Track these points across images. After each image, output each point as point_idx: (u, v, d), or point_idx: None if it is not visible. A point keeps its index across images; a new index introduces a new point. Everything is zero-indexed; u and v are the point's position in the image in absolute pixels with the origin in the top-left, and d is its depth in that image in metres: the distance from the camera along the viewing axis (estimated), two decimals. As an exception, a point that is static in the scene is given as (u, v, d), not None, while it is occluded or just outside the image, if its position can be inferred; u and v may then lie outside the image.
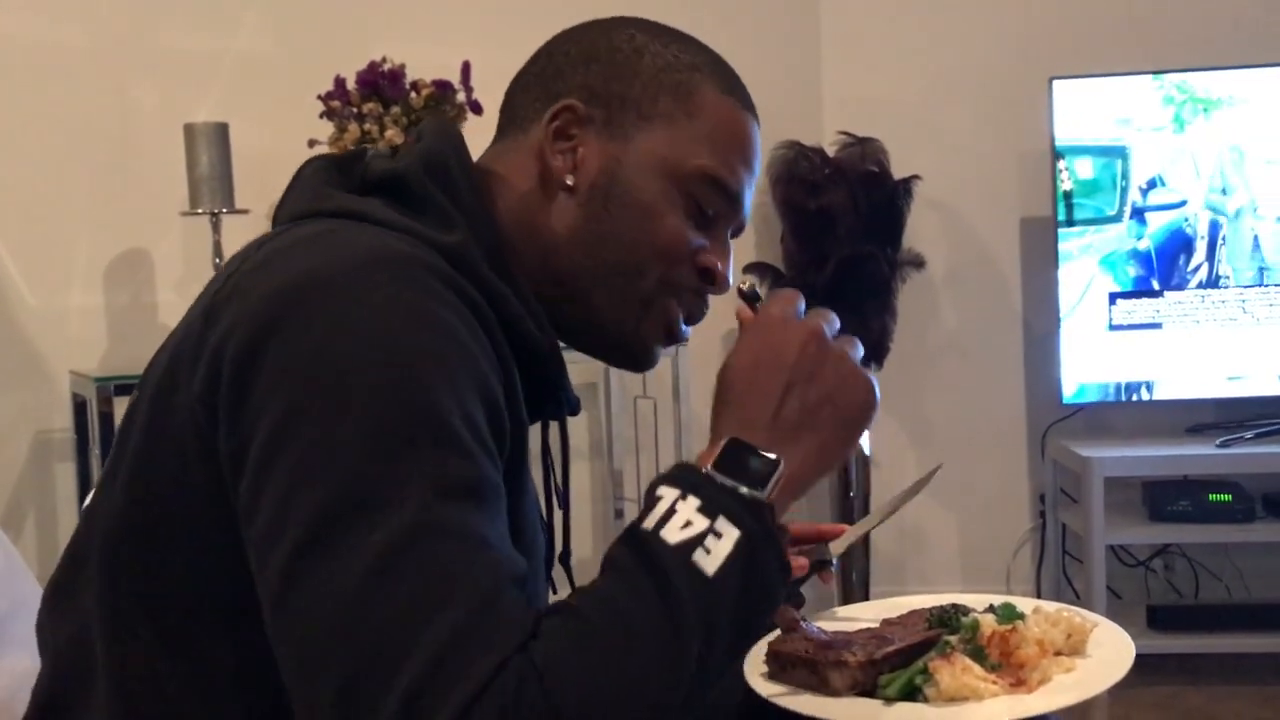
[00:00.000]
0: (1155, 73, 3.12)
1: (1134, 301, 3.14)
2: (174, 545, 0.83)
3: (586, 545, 2.89)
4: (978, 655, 1.00)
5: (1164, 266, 3.13)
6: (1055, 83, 3.13)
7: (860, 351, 0.91)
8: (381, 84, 2.59)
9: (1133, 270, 3.14)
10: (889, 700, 0.98)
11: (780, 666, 1.04)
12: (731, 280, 1.02)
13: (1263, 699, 2.86)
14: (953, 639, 1.04)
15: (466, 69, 2.60)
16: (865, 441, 3.31)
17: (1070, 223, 3.14)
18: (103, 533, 0.88)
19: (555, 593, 1.05)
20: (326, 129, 2.60)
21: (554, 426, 1.09)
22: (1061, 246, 3.14)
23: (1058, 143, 3.13)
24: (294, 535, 0.72)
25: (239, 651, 0.83)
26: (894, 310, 3.24)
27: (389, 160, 0.97)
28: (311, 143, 2.56)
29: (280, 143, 2.58)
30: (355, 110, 2.58)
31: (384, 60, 2.61)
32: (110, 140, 2.67)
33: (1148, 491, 3.13)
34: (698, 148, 0.99)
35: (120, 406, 2.15)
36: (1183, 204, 3.12)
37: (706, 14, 3.34)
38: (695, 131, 0.99)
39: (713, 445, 0.83)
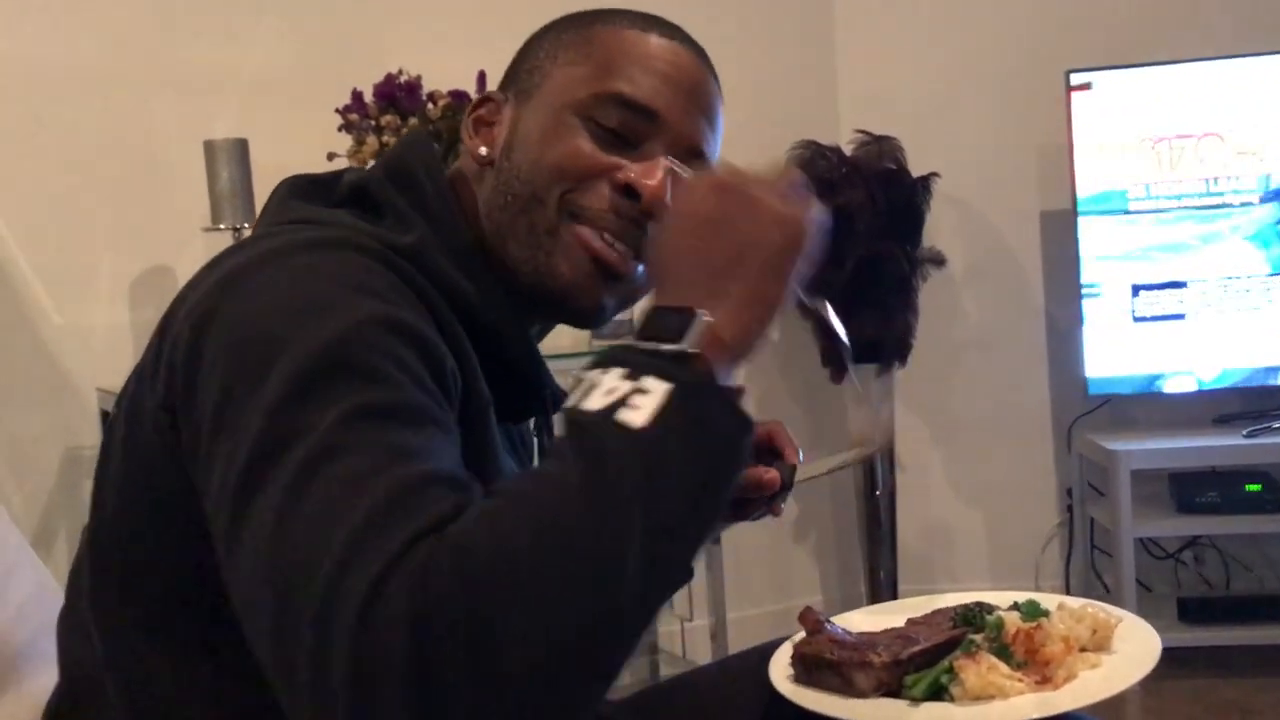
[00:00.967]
0: (1174, 63, 3.10)
1: (1157, 293, 3.12)
2: (154, 551, 0.85)
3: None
4: (1003, 653, 1.00)
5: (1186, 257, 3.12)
6: (1072, 75, 3.12)
7: (787, 181, 0.83)
8: (398, 96, 2.60)
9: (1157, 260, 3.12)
10: (915, 700, 0.98)
11: (805, 669, 1.04)
12: (664, 195, 0.94)
13: (1298, 690, 2.84)
14: (978, 638, 1.04)
15: (482, 78, 2.61)
16: (890, 440, 3.31)
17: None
18: (93, 546, 0.91)
19: None
20: (345, 142, 2.62)
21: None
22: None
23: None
24: (230, 493, 0.72)
25: (230, 650, 0.83)
26: (915, 308, 3.23)
27: (359, 174, 1.00)
28: (330, 156, 2.58)
29: (300, 156, 2.57)
30: (373, 122, 2.60)
31: (400, 72, 2.63)
32: (132, 157, 2.69)
33: (1175, 483, 3.11)
34: (597, 76, 0.97)
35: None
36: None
37: (721, 14, 3.35)
38: (594, 67, 0.98)
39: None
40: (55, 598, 1.24)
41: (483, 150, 1.00)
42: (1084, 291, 3.14)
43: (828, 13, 3.53)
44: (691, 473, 0.70)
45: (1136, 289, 3.13)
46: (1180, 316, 3.12)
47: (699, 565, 0.80)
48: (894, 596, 3.29)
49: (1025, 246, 3.47)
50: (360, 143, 2.60)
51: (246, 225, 2.53)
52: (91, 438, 2.61)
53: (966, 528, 3.53)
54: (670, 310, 0.77)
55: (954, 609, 1.12)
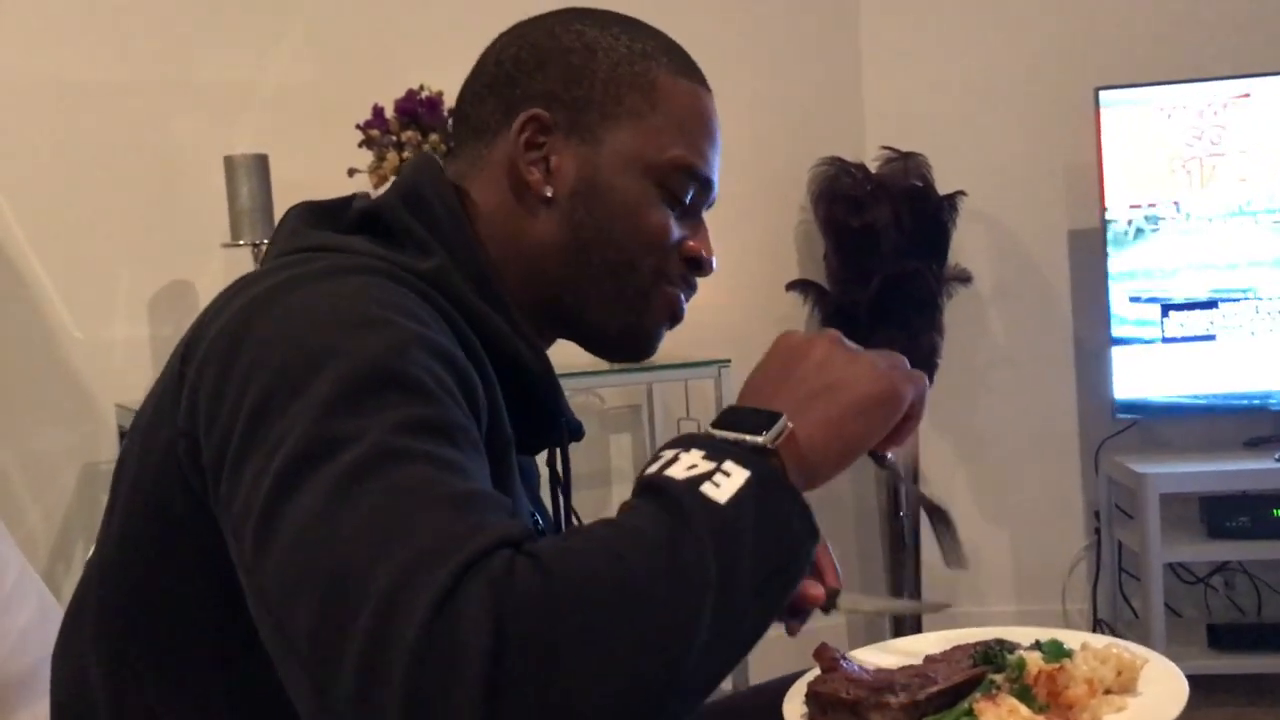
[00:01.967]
0: (1200, 80, 3.06)
1: (1187, 313, 3.08)
2: (163, 581, 0.83)
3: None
4: (1024, 695, 0.97)
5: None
6: (1101, 93, 3.09)
7: (899, 358, 0.86)
8: (419, 112, 2.59)
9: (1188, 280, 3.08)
10: (933, 743, 0.95)
11: (820, 709, 1.01)
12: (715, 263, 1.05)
13: (1331, 719, 2.79)
14: (998, 678, 1.01)
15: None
16: (912, 456, 3.27)
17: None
18: (99, 571, 0.89)
19: None
20: (366, 158, 2.61)
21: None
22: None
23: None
24: (264, 498, 0.69)
25: (233, 684, 0.82)
26: (941, 326, 3.19)
27: (370, 199, 0.98)
28: (351, 172, 2.57)
29: (320, 173, 2.59)
30: (394, 138, 2.58)
31: (421, 88, 2.61)
32: (152, 173, 2.69)
33: (1206, 507, 3.06)
34: (666, 139, 1.00)
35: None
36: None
37: (747, 29, 3.34)
38: (661, 122, 1.00)
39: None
40: (59, 624, 1.23)
41: (547, 191, 0.98)
42: (1112, 311, 3.10)
43: (853, 28, 3.50)
44: (764, 559, 0.70)
45: (1166, 308, 3.08)
46: (1211, 337, 3.07)
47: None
48: (919, 618, 3.25)
49: (1053, 265, 3.42)
50: (381, 158, 2.58)
51: (265, 241, 2.52)
52: (109, 453, 2.60)
53: (992, 549, 3.49)
54: (754, 410, 0.78)
55: (974, 646, 1.08)
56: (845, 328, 3.08)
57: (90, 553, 0.93)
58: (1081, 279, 3.36)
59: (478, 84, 1.03)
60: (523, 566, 0.64)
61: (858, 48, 3.51)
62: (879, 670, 1.05)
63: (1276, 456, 2.96)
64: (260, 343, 0.77)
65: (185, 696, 0.84)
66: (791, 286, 3.26)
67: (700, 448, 0.73)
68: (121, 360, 2.66)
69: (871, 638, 3.22)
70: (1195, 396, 3.09)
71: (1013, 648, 1.06)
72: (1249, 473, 2.97)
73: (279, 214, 2.54)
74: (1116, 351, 3.10)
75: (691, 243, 1.02)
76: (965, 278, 3.24)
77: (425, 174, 0.99)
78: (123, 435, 2.52)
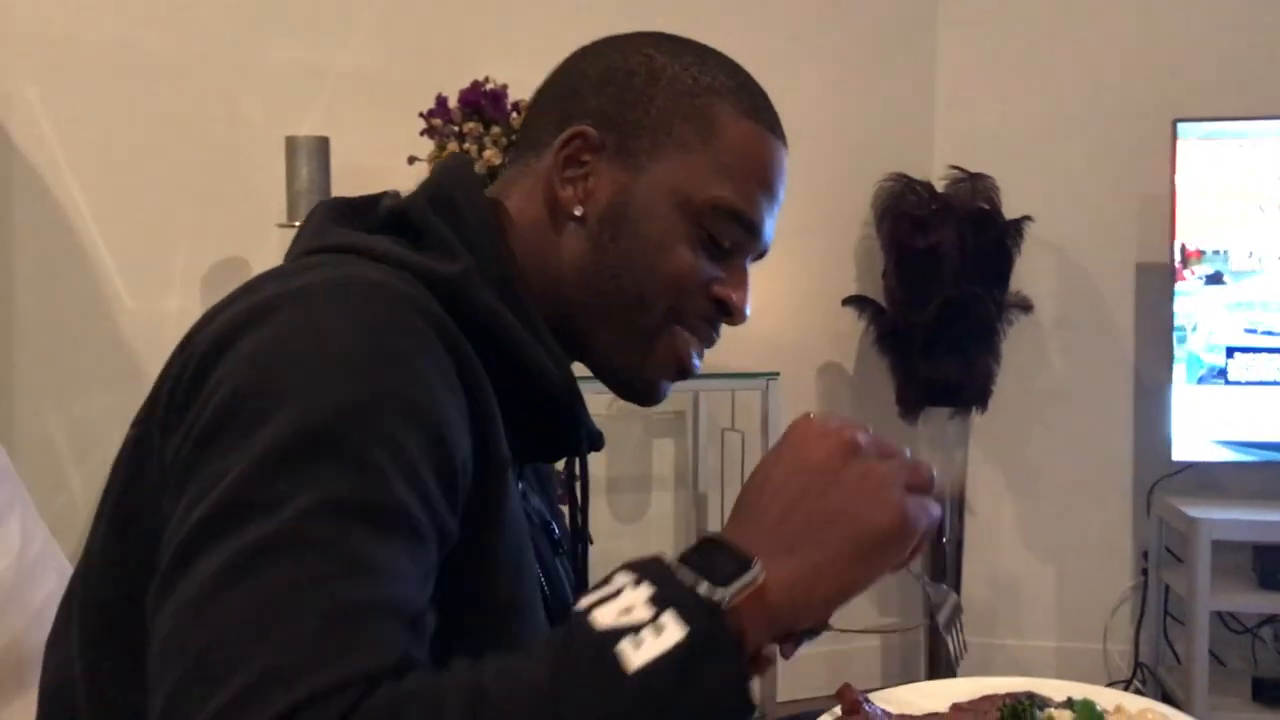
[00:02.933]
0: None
1: (1252, 356, 3.00)
2: (144, 580, 0.80)
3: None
4: (1051, 756, 0.93)
5: (1287, 322, 2.99)
6: (1179, 125, 3.01)
7: (919, 477, 0.77)
8: (483, 104, 2.58)
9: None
10: (952, 799, 0.91)
11: (839, 752, 0.98)
12: (748, 310, 0.99)
13: (1374, 785, 2.70)
14: (1025, 735, 0.97)
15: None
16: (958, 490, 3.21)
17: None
18: (85, 569, 0.87)
19: None
20: (426, 146, 2.60)
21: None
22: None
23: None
24: (178, 544, 0.68)
25: None
26: (998, 353, 3.13)
27: (399, 199, 0.95)
28: (411, 159, 2.56)
29: (380, 158, 2.59)
30: (456, 129, 2.57)
31: (487, 80, 2.60)
32: (216, 149, 2.70)
33: (1259, 556, 2.98)
34: (713, 178, 0.94)
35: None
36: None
37: (823, 40, 3.30)
38: (712, 160, 0.95)
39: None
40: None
41: (579, 211, 0.95)
42: (1176, 350, 3.03)
43: (930, 44, 3.45)
44: None
45: (1231, 351, 3.01)
46: (1276, 383, 2.99)
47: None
48: (949, 659, 3.19)
49: (1118, 299, 3.35)
50: (441, 148, 2.58)
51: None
52: (154, 424, 2.61)
53: (1036, 582, 3.42)
54: (730, 550, 0.71)
55: (1003, 698, 1.04)
56: (900, 348, 3.03)
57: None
58: (1146, 315, 3.29)
59: (546, 95, 1.01)
60: (373, 710, 0.61)
61: (933, 64, 3.45)
62: (903, 716, 1.01)
63: (1336, 510, 2.88)
64: (236, 362, 0.74)
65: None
66: (848, 302, 3.21)
67: (652, 584, 0.68)
68: (173, 332, 2.60)
69: (906, 674, 3.17)
70: (1256, 442, 3.01)
71: (1044, 704, 1.02)
72: (1306, 524, 2.89)
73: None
74: (1176, 390, 3.02)
75: (721, 285, 0.96)
76: (1027, 306, 3.18)
77: (454, 175, 0.96)
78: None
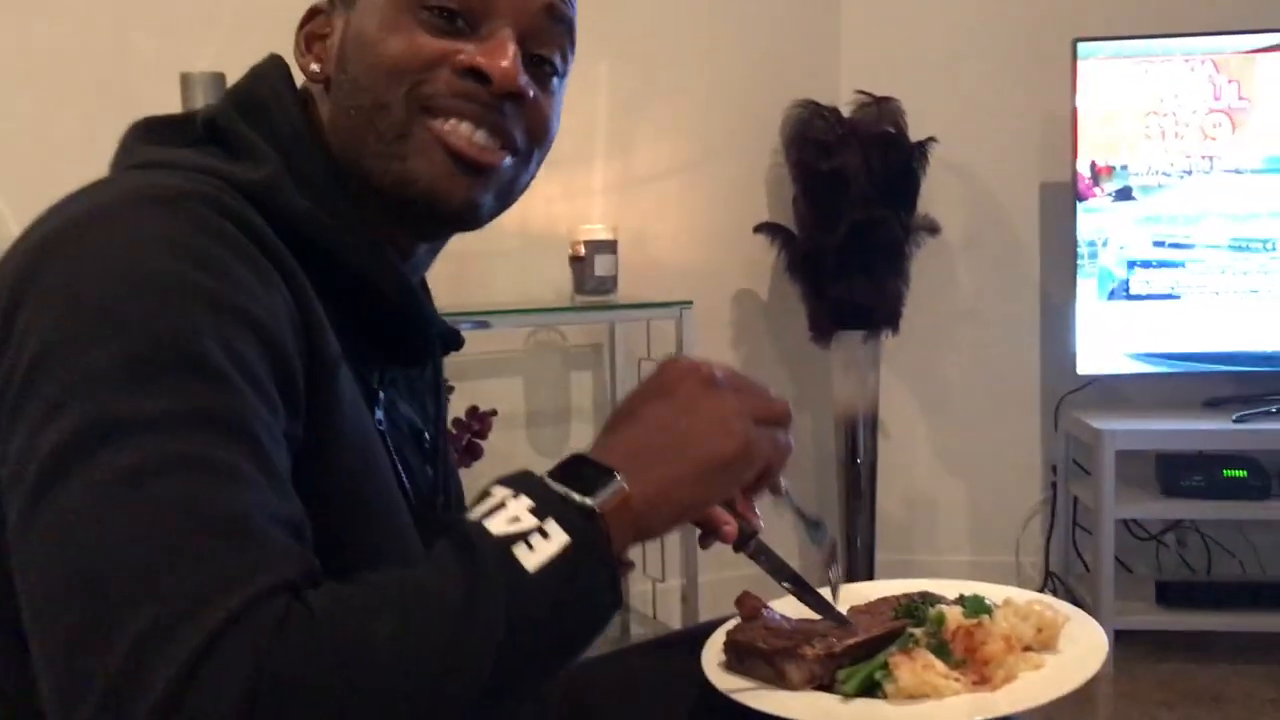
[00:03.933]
0: (1183, 35, 3.03)
1: (1153, 271, 3.07)
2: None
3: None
4: (941, 650, 0.96)
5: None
6: (1079, 45, 3.05)
7: (770, 410, 0.86)
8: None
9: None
10: (847, 696, 0.94)
11: (737, 657, 1.00)
12: (514, 75, 0.88)
13: (1273, 679, 2.81)
14: (917, 631, 1.00)
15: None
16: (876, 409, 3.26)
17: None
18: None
19: None
20: (326, 80, 2.55)
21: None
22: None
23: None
24: (35, 470, 0.66)
25: None
26: (907, 275, 3.17)
27: (210, 108, 0.92)
28: (311, 94, 2.52)
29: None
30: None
31: (386, 10, 2.55)
32: (106, 86, 2.63)
33: (1161, 465, 3.07)
34: None
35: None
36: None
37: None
38: None
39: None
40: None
41: (315, 67, 0.93)
42: (1079, 266, 3.09)
43: (834, -31, 3.45)
44: (557, 635, 0.72)
45: (1132, 265, 3.07)
46: (1176, 296, 3.06)
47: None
48: (871, 565, 3.26)
49: (1024, 218, 3.41)
50: (342, 82, 2.53)
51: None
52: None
53: (949, 499, 3.50)
54: (593, 464, 0.78)
55: (898, 599, 1.07)
56: (811, 274, 3.05)
57: None
58: (1050, 233, 3.34)
59: None
60: (294, 621, 0.62)
61: (837, -11, 3.46)
62: (800, 620, 1.04)
63: (1234, 418, 2.97)
64: (47, 289, 0.72)
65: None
66: (759, 229, 3.23)
67: (531, 497, 0.73)
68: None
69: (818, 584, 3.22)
70: (1157, 354, 3.08)
71: (936, 601, 1.05)
72: (1206, 433, 2.98)
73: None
74: (1080, 306, 3.09)
75: (464, 55, 0.88)
76: (934, 228, 3.22)
77: (263, 79, 0.93)
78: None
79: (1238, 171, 3.03)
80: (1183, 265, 3.05)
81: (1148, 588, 3.05)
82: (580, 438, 3.15)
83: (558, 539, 0.71)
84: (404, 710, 0.64)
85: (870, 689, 0.94)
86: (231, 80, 2.59)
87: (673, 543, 2.88)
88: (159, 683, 0.59)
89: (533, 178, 0.97)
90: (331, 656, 0.63)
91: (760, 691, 0.96)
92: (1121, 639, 2.81)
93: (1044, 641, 0.99)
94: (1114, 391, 3.28)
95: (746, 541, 0.97)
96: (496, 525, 0.71)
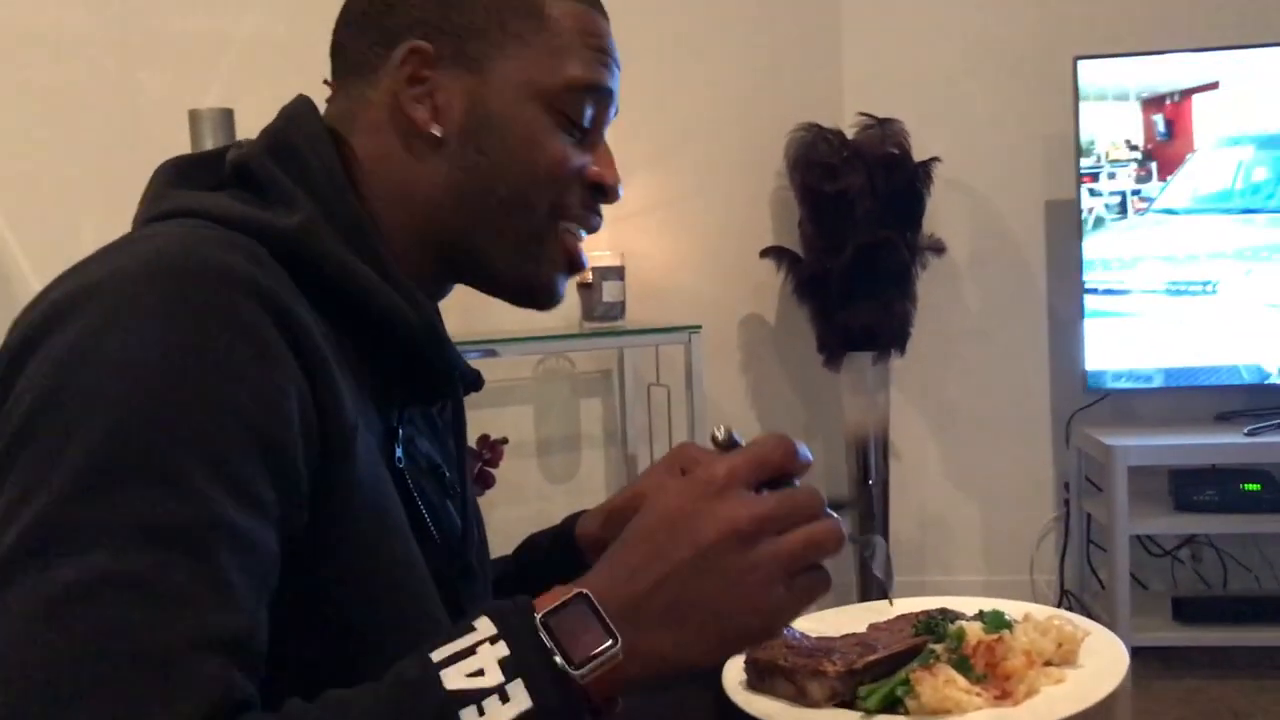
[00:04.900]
0: (1183, 51, 3.04)
1: (1163, 287, 3.07)
2: None
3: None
4: (963, 666, 0.96)
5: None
6: (1080, 63, 3.06)
7: (818, 550, 0.74)
8: (388, 67, 2.55)
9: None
10: (869, 713, 0.94)
11: (758, 675, 1.00)
12: (621, 189, 0.97)
13: (1292, 693, 2.80)
14: (938, 647, 1.00)
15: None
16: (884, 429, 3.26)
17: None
18: None
19: (478, 580, 0.99)
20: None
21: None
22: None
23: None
24: None
25: None
26: (914, 295, 3.18)
27: (242, 150, 0.91)
28: (318, 127, 2.53)
29: (287, 127, 2.55)
30: (362, 94, 2.54)
31: (391, 43, 2.57)
32: (115, 125, 2.65)
33: (1174, 480, 3.06)
34: (560, 61, 0.92)
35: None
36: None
37: (729, 1, 3.30)
38: (549, 44, 0.92)
39: (572, 585, 0.72)
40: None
41: (436, 131, 0.91)
42: (1086, 284, 3.09)
43: (834, -7, 3.47)
44: None
45: (1138, 282, 3.08)
46: (1185, 311, 3.06)
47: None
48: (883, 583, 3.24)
49: (1029, 236, 3.41)
50: (349, 115, 2.55)
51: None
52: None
53: (962, 519, 3.49)
54: (597, 621, 0.70)
55: (917, 615, 1.07)
56: (819, 296, 3.04)
57: None
58: (1057, 250, 3.35)
59: (352, 15, 0.96)
60: None
61: (839, 12, 3.47)
62: (820, 638, 1.04)
63: (1246, 431, 2.96)
64: (42, 361, 0.71)
65: None
66: (765, 254, 3.23)
67: (510, 645, 0.68)
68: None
69: (837, 595, 3.22)
70: (1167, 370, 3.08)
71: (955, 618, 1.06)
72: (1218, 447, 2.97)
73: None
74: (1089, 324, 3.09)
75: (594, 168, 0.95)
76: (939, 248, 3.23)
77: (295, 120, 0.92)
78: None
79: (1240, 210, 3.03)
80: (1192, 281, 3.05)
81: (1164, 604, 3.04)
82: (591, 464, 3.16)
83: (517, 705, 0.66)
84: None
85: (892, 705, 0.94)
86: (240, 116, 2.61)
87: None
88: None
89: None
90: None
91: (782, 708, 0.96)
92: (1139, 656, 2.79)
93: (1064, 656, 0.99)
94: (1125, 407, 3.28)
95: None
96: (454, 677, 0.66)
